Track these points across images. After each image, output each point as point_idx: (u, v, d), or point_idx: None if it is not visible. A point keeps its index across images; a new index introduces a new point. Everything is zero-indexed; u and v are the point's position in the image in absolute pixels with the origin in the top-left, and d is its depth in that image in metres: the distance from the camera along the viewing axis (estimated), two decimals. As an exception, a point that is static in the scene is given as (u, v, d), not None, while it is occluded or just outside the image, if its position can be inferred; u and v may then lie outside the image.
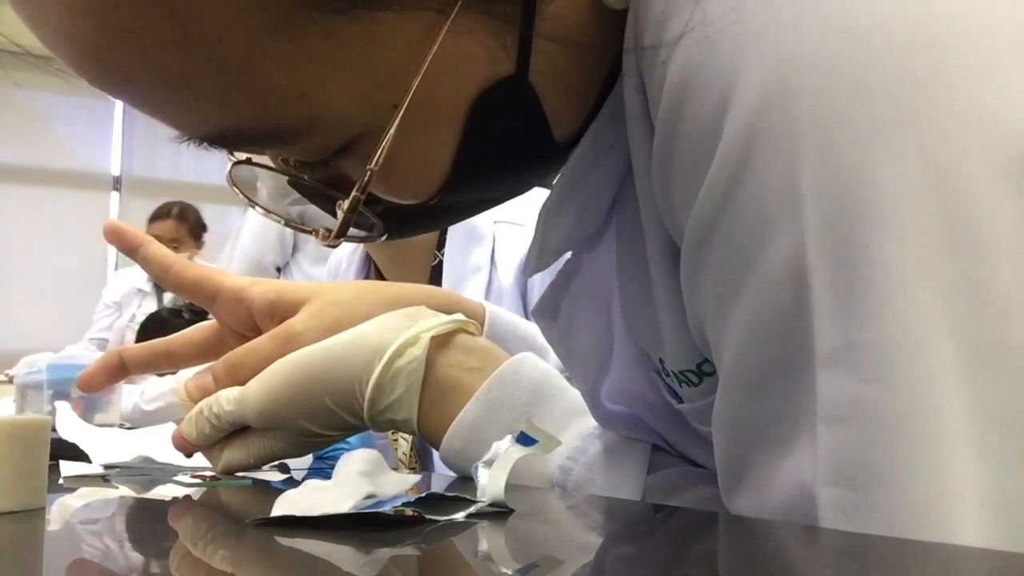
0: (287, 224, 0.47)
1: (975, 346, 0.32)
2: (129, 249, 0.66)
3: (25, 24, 0.37)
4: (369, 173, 0.39)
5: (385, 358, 0.53)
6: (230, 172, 0.44)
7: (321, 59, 0.36)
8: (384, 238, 0.46)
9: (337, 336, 0.55)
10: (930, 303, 0.32)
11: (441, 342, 0.55)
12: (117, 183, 4.99)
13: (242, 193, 0.45)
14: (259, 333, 0.64)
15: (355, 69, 0.37)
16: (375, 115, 0.38)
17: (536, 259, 0.49)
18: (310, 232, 0.45)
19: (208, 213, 3.54)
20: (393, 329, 0.54)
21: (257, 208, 0.47)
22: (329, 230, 0.43)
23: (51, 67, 0.40)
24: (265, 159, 0.46)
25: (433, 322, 0.55)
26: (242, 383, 0.57)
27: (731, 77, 0.34)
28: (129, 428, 1.00)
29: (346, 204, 0.41)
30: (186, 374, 0.70)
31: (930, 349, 0.32)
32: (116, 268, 4.24)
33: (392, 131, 0.38)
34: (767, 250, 0.34)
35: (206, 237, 3.44)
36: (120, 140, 5.03)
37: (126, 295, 3.32)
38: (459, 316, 0.57)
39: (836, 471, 0.33)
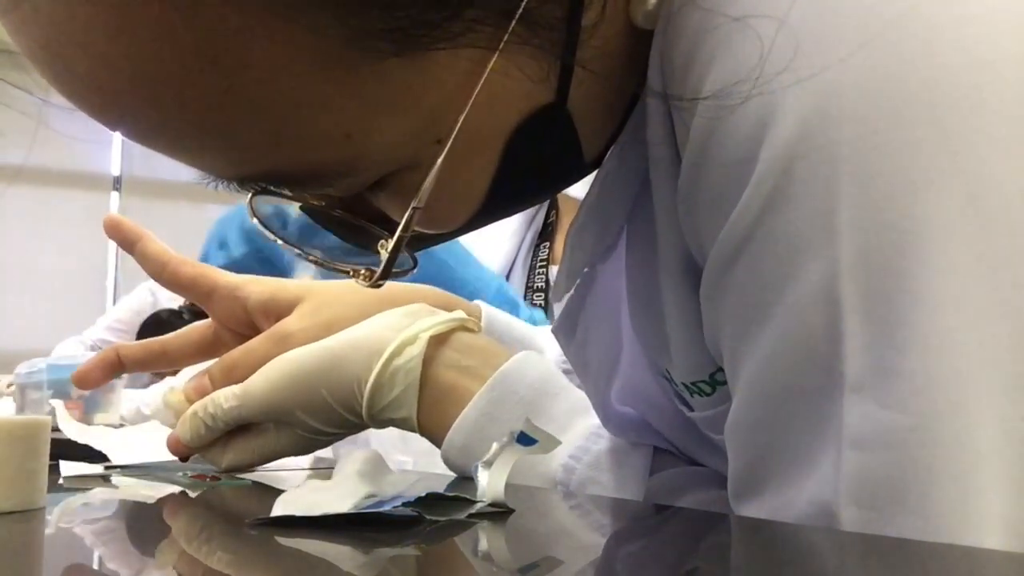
0: (314, 262, 0.44)
1: (1010, 377, 0.31)
2: (127, 243, 0.66)
3: (41, 74, 0.34)
4: (413, 210, 0.38)
5: (384, 357, 0.53)
6: (250, 204, 0.41)
7: (370, 100, 0.35)
8: (414, 268, 0.45)
9: (338, 335, 0.55)
10: (965, 333, 0.31)
11: (440, 340, 0.55)
12: (117, 183, 4.99)
13: (265, 227, 0.42)
14: (255, 331, 0.64)
15: (402, 107, 0.36)
16: (417, 151, 0.37)
17: (565, 280, 0.49)
18: (347, 273, 0.42)
19: (208, 214, 3.53)
20: (393, 328, 0.54)
21: (281, 243, 0.44)
22: (370, 270, 0.41)
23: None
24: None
25: (432, 321, 0.55)
26: (238, 384, 0.57)
27: (770, 104, 0.34)
28: (123, 426, 1.00)
29: (391, 244, 0.39)
30: (173, 381, 0.69)
31: (962, 379, 0.31)
32: (116, 268, 4.23)
33: (437, 167, 0.37)
34: (799, 275, 0.34)
35: None
36: (120, 140, 5.03)
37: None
38: (459, 314, 0.57)
39: (860, 491, 0.32)
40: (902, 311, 0.32)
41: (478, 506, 0.37)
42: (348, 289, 0.66)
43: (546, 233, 1.20)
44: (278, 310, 0.64)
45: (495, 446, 0.39)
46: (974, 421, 0.31)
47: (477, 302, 0.72)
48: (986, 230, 0.32)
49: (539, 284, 1.16)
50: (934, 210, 0.32)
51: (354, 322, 0.56)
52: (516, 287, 1.15)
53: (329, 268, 0.43)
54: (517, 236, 1.19)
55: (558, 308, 0.53)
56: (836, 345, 0.33)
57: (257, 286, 0.66)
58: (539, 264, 1.18)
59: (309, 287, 0.66)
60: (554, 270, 1.16)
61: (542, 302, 1.13)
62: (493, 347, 0.57)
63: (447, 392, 0.54)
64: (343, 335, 0.55)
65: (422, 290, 0.68)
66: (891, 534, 0.32)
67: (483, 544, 0.33)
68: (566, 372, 0.66)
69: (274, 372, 0.55)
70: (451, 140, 0.37)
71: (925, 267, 0.32)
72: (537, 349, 0.73)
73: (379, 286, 0.41)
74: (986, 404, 0.31)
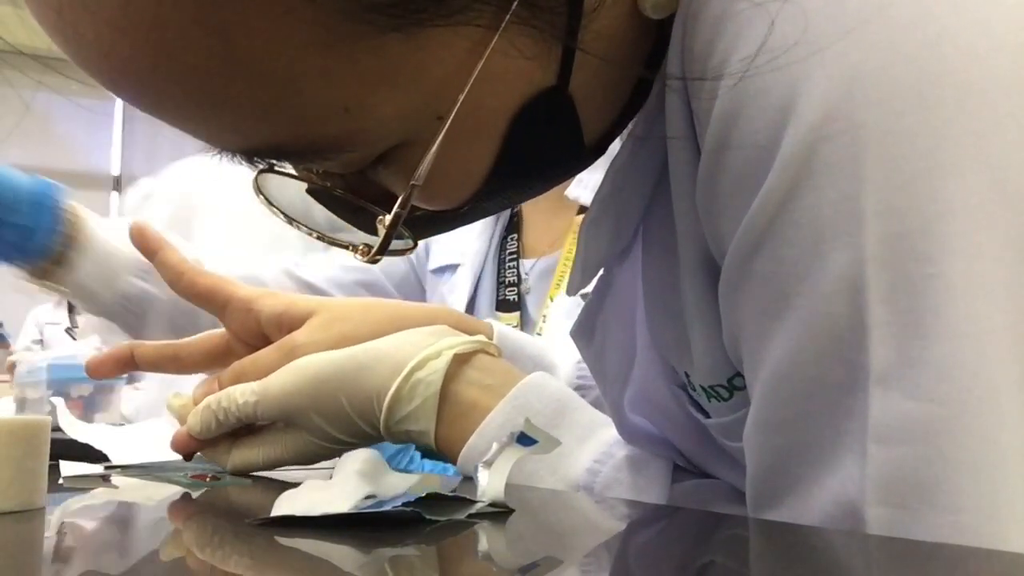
0: (318, 237, 0.45)
1: None
2: (148, 252, 0.68)
3: (50, 37, 0.35)
4: (412, 187, 0.38)
5: (406, 369, 0.53)
6: (255, 181, 0.42)
7: (368, 74, 0.35)
8: (414, 248, 0.46)
9: (360, 345, 0.55)
10: (993, 320, 0.31)
11: (463, 360, 0.55)
12: (117, 183, 5.00)
13: (269, 203, 0.43)
14: (268, 343, 0.65)
15: (401, 83, 0.36)
16: (418, 127, 0.38)
17: (580, 275, 0.49)
18: (346, 247, 0.43)
19: (208, 213, 3.53)
20: (416, 345, 0.55)
21: (284, 219, 0.45)
22: (368, 245, 0.42)
23: (51, 67, 0.39)
24: (287, 167, 0.44)
25: (456, 340, 0.56)
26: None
27: (793, 87, 0.34)
28: (123, 425, 1.01)
29: (388, 219, 0.40)
30: (178, 386, 0.70)
31: (990, 368, 0.31)
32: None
33: (437, 143, 0.37)
34: (823, 263, 0.33)
35: None
36: (120, 140, 5.03)
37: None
38: (481, 337, 0.57)
39: (887, 490, 0.32)
40: (928, 298, 0.32)
41: (478, 506, 0.37)
42: (361, 307, 0.67)
43: (512, 225, 1.21)
44: (291, 323, 0.65)
45: (495, 446, 0.39)
46: (1001, 409, 0.31)
47: (488, 320, 0.73)
48: (1012, 214, 0.31)
49: (511, 279, 1.16)
50: (959, 194, 0.32)
51: (366, 339, 0.57)
52: (489, 282, 1.15)
53: (329, 243, 0.44)
54: (486, 233, 1.20)
55: (565, 301, 0.53)
56: (860, 336, 0.33)
57: (271, 300, 0.67)
58: (509, 257, 1.18)
59: (322, 302, 0.67)
60: (524, 263, 1.16)
61: (515, 296, 1.13)
62: (513, 370, 0.58)
63: (468, 409, 0.54)
64: (366, 346, 0.55)
65: (438, 311, 0.69)
66: (919, 534, 0.31)
67: (483, 544, 0.33)
68: (579, 388, 0.67)
69: (294, 373, 0.55)
70: (451, 118, 0.37)
71: (951, 252, 0.31)
72: (549, 364, 0.73)
73: (376, 261, 0.42)
74: (1013, 394, 0.31)
